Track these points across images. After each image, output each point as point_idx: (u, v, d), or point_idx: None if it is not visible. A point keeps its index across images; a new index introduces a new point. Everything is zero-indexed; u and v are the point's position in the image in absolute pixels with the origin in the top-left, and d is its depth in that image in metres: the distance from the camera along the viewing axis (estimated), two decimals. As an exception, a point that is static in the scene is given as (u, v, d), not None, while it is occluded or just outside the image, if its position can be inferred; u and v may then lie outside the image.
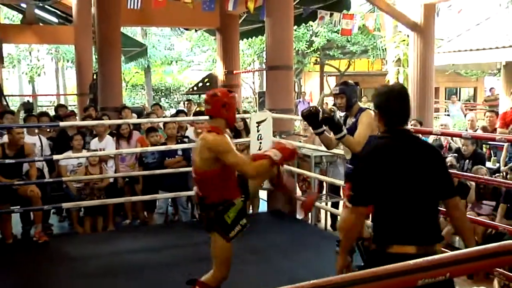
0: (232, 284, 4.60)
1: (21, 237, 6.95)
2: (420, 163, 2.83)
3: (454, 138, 7.91)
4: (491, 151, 8.67)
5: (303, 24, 15.62)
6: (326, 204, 7.56)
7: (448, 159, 7.23)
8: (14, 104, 18.36)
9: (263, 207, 8.06)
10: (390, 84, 3.52)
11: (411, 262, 1.64)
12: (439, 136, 7.94)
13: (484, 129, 8.43)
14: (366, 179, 2.91)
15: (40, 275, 5.37)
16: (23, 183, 6.46)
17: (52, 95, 28.27)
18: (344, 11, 12.08)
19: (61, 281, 5.16)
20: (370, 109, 4.48)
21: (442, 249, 5.34)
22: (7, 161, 6.27)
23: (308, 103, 22.55)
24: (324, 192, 7.83)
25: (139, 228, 7.40)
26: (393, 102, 2.88)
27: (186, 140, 7.43)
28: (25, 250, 6.37)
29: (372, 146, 3.19)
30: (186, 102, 12.70)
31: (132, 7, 8.50)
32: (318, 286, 1.45)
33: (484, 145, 8.56)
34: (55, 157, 6.84)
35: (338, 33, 19.05)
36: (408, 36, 11.47)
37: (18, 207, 6.55)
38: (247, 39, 16.94)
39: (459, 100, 21.51)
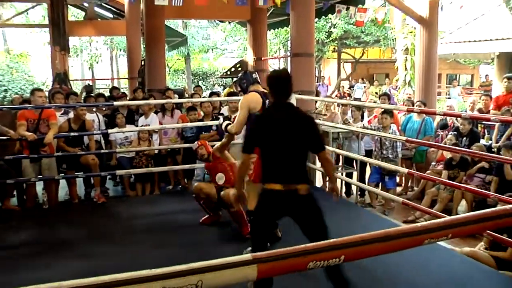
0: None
1: (84, 198, 7.13)
2: (291, 124, 3.36)
3: (457, 118, 7.81)
4: (485, 130, 8.57)
5: (323, 16, 15.36)
6: (342, 174, 7.51)
7: (449, 137, 7.14)
8: (77, 87, 18.59)
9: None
10: (279, 69, 4.11)
11: (419, 224, 1.62)
12: (444, 116, 7.88)
13: (480, 110, 8.33)
14: (250, 135, 3.61)
15: (99, 230, 5.49)
16: (84, 153, 6.62)
17: (108, 79, 28.52)
18: (359, 6, 11.85)
19: (115, 235, 5.26)
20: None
21: (442, 213, 5.34)
22: (72, 134, 6.46)
23: (327, 86, 22.38)
24: (340, 164, 7.78)
25: (180, 192, 7.45)
26: (278, 83, 3.50)
27: (220, 117, 7.41)
28: (87, 209, 6.55)
29: (260, 113, 3.97)
30: (234, 83, 12.77)
31: (175, 4, 8.48)
32: (336, 245, 1.44)
33: (479, 125, 8.46)
34: (110, 131, 6.93)
35: (353, 25, 18.78)
36: (415, 28, 11.27)
37: (81, 173, 6.70)
38: (274, 29, 16.79)
39: (458, 85, 21.17)
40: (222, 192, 5.11)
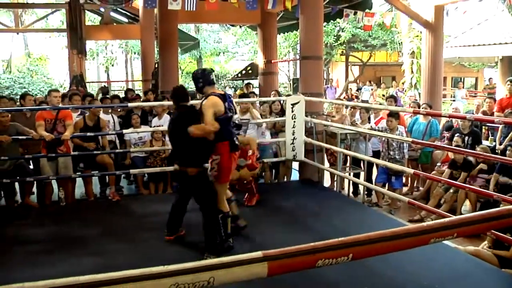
0: (266, 240, 4.63)
1: (99, 196, 7.17)
2: (180, 122, 4.43)
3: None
4: (489, 132, 8.50)
5: (331, 20, 15.36)
6: (349, 174, 7.48)
7: (455, 139, 7.09)
8: (93, 88, 18.76)
9: (295, 176, 8.03)
10: (178, 85, 5.35)
11: (425, 224, 1.61)
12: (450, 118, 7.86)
13: (484, 112, 8.28)
14: (168, 129, 4.85)
15: (113, 227, 5.51)
16: (100, 153, 6.65)
17: (122, 81, 28.66)
18: (367, 10, 11.82)
19: (129, 232, 5.27)
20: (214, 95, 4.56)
21: (447, 213, 5.31)
22: (88, 134, 6.52)
23: (335, 88, 22.32)
24: (347, 164, 7.76)
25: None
26: (176, 93, 4.64)
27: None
28: (102, 207, 6.56)
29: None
30: (245, 86, 12.77)
31: (188, 9, 8.51)
32: (345, 243, 1.43)
33: (483, 127, 8.40)
34: (125, 131, 6.97)
35: (361, 29, 18.72)
36: (421, 32, 11.23)
37: (97, 171, 6.73)
38: (284, 33, 16.82)
39: (463, 87, 21.09)
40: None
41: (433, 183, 7.07)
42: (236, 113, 4.86)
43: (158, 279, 1.24)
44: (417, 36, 13.99)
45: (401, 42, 17.46)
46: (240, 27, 19.56)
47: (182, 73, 27.06)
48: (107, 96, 9.32)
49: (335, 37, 22.46)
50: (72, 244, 4.89)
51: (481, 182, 6.65)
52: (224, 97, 4.59)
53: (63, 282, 1.19)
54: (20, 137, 6.09)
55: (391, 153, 6.97)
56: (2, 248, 4.85)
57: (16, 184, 6.66)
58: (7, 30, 18.04)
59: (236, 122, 4.82)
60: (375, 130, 7.19)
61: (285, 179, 7.80)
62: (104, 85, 16.51)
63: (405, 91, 15.61)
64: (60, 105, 6.60)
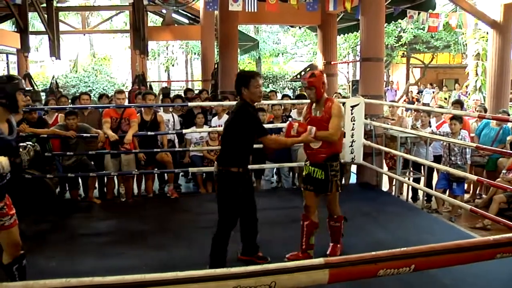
0: (323, 241, 4.58)
1: (158, 193, 7.35)
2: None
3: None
4: None
5: (393, 21, 15.05)
6: (409, 179, 7.30)
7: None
8: (154, 88, 19.25)
9: (353, 179, 7.93)
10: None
11: (491, 238, 1.55)
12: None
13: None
14: None
15: (171, 222, 5.68)
16: (160, 150, 6.84)
17: (182, 81, 29.27)
18: (430, 11, 11.49)
19: (186, 228, 5.41)
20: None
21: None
22: (149, 133, 6.70)
23: (395, 91, 21.83)
24: (407, 168, 7.58)
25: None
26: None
27: (289, 119, 7.43)
28: (161, 203, 6.76)
29: None
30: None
31: (248, 10, 8.60)
32: (408, 254, 1.40)
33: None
34: (184, 131, 7.11)
35: (423, 30, 18.22)
36: (487, 33, 10.82)
37: (156, 169, 6.95)
38: (344, 34, 16.61)
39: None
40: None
41: (498, 190, 6.78)
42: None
43: (221, 280, 1.27)
44: (483, 37, 13.50)
45: (466, 44, 16.88)
46: (300, 28, 19.52)
47: (241, 73, 27.30)
48: (169, 97, 9.56)
49: (396, 38, 22.00)
50: (132, 238, 5.07)
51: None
52: None
53: (130, 279, 1.24)
54: (84, 134, 6.35)
55: (453, 158, 6.74)
56: (68, 239, 5.09)
57: (79, 179, 6.94)
58: (75, 31, 18.89)
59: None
60: (436, 134, 6.97)
61: (344, 182, 7.70)
62: (166, 86, 16.91)
63: (469, 94, 15.08)
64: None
